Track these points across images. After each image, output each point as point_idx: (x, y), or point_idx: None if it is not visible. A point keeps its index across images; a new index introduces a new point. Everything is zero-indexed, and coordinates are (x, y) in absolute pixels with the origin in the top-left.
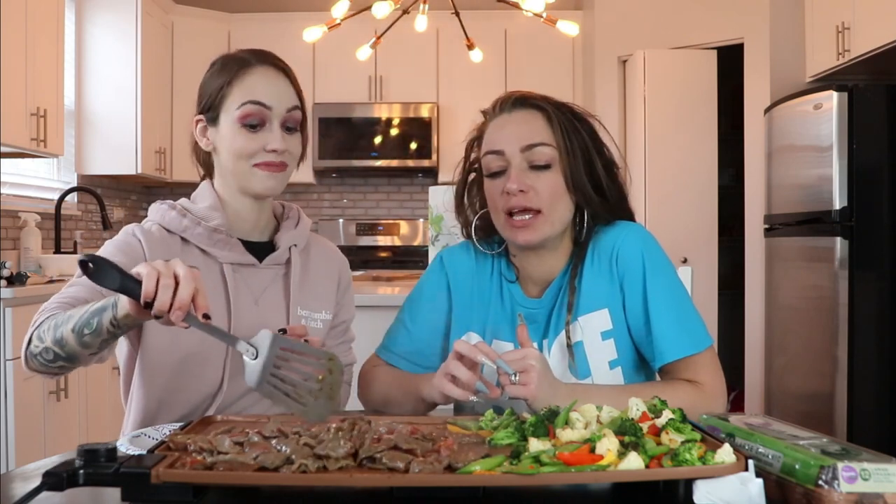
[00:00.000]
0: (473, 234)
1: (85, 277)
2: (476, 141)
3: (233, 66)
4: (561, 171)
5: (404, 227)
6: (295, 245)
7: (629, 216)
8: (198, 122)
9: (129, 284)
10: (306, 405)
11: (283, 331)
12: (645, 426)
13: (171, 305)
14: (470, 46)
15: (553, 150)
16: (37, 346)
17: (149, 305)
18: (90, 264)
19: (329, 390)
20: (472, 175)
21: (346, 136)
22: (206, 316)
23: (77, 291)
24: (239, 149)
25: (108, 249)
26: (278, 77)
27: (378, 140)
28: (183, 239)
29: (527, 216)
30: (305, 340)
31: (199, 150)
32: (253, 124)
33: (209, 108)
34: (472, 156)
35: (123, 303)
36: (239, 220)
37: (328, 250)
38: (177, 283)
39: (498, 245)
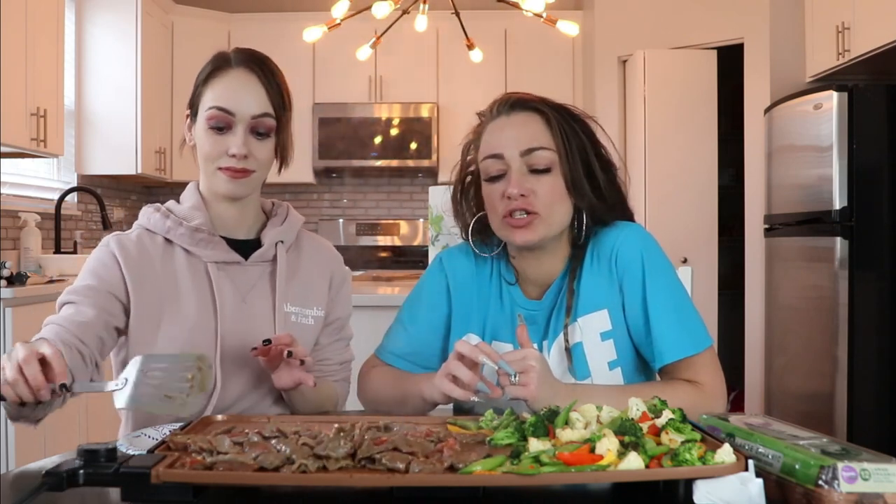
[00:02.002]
0: (471, 236)
1: (64, 309)
2: (472, 144)
3: (212, 65)
4: (561, 175)
5: (404, 227)
6: (281, 241)
7: (628, 217)
8: (186, 116)
9: None
10: (182, 403)
11: (268, 341)
12: (645, 426)
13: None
14: (470, 46)
15: (552, 154)
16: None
17: (24, 402)
18: None
19: (200, 384)
20: (469, 178)
21: (346, 136)
22: (63, 387)
23: (51, 330)
24: (206, 150)
25: (84, 274)
26: (251, 82)
27: (378, 140)
28: (167, 240)
29: (525, 215)
30: (289, 352)
31: None
32: (219, 126)
33: (192, 104)
34: (469, 158)
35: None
36: (222, 219)
37: (320, 247)
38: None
39: (496, 247)
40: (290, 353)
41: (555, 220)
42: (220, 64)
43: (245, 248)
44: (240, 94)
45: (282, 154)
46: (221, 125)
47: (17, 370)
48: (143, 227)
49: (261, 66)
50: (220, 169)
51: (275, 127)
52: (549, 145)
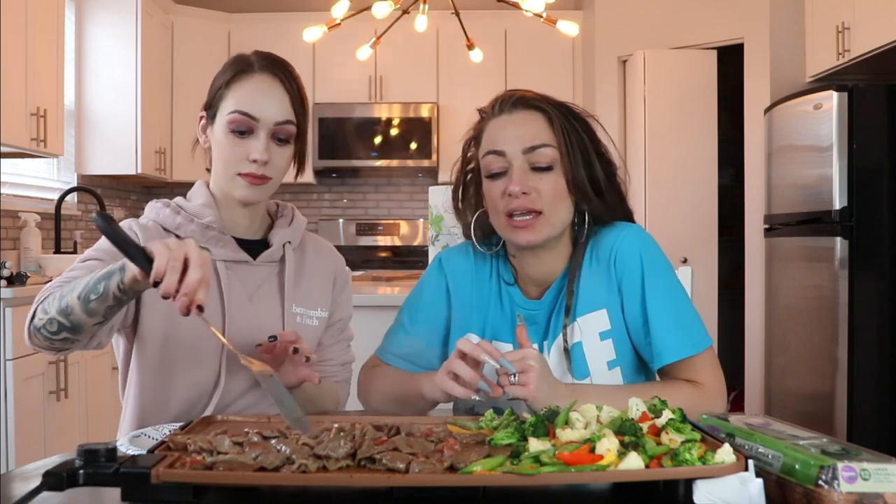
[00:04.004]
0: (472, 234)
1: (88, 262)
2: (473, 140)
3: (235, 68)
4: (562, 173)
5: (404, 227)
6: (289, 242)
7: (628, 216)
8: (201, 117)
9: (138, 257)
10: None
11: (274, 337)
12: (645, 426)
13: (178, 290)
14: (470, 46)
15: (554, 152)
16: (41, 318)
17: (157, 284)
18: (107, 219)
19: (297, 423)
20: (470, 175)
21: (346, 136)
22: (200, 308)
23: (80, 273)
24: (226, 154)
25: (106, 243)
26: (275, 87)
27: (378, 140)
28: (177, 237)
29: (528, 216)
30: (295, 349)
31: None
32: (241, 130)
33: (210, 106)
34: (469, 155)
35: (131, 268)
36: (232, 220)
37: (324, 249)
38: (185, 268)
39: (496, 245)
40: (295, 350)
41: (556, 218)
42: (242, 67)
43: (252, 247)
44: (263, 99)
45: (300, 160)
46: (243, 129)
47: (181, 267)
48: (152, 220)
49: (283, 72)
50: (239, 175)
51: (295, 134)
52: (551, 143)
